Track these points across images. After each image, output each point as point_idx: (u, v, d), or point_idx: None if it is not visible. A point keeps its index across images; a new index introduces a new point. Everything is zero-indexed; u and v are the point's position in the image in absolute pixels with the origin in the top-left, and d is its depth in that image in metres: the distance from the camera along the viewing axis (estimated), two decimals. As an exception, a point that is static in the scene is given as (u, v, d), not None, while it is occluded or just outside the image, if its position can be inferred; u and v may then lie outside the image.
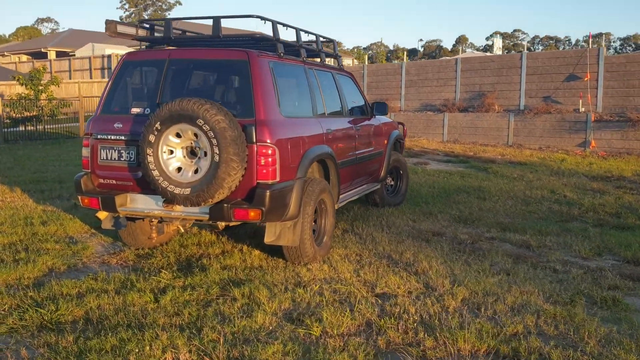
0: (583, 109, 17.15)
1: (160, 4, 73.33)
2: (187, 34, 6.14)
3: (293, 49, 6.07)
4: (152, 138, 5.04)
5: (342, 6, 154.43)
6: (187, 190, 4.98)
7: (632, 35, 74.22)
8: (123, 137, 5.45)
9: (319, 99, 6.31)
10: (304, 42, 6.38)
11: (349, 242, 6.57)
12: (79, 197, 5.64)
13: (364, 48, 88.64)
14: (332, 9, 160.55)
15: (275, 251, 6.09)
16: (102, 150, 5.56)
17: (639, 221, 7.88)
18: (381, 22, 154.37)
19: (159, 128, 5.01)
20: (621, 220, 7.96)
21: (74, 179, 5.71)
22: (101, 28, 6.28)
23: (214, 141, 4.85)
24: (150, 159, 5.05)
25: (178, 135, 5.06)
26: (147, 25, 6.01)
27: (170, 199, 5.09)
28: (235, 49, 5.43)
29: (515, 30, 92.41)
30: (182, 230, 6.09)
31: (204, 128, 4.87)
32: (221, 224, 5.39)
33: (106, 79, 31.37)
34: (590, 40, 19.11)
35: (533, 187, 10.69)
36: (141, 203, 5.53)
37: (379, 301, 4.77)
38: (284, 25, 5.80)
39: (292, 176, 5.31)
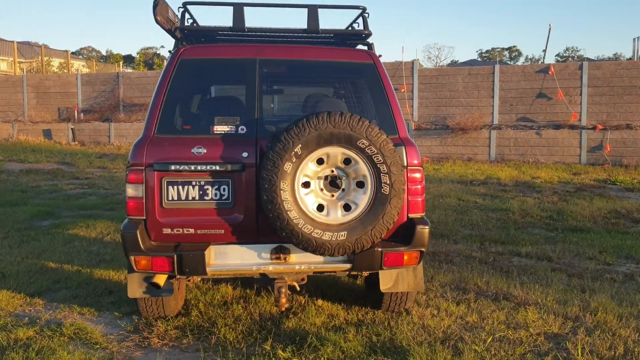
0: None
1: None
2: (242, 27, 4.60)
3: None
4: (288, 167, 3.61)
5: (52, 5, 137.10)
6: (343, 235, 3.68)
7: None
8: (209, 167, 3.83)
9: None
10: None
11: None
12: (133, 258, 3.80)
13: (73, 52, 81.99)
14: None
15: (339, 298, 5.04)
16: (169, 188, 3.84)
17: (589, 223, 8.45)
18: (91, 25, 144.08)
19: (299, 153, 3.62)
20: (572, 223, 8.43)
21: (121, 232, 3.83)
22: None
23: (383, 168, 3.67)
24: (286, 195, 3.62)
25: (319, 162, 3.72)
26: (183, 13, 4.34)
27: (312, 249, 3.70)
28: (356, 49, 4.24)
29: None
30: (298, 288, 4.43)
31: (367, 151, 3.65)
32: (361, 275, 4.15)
33: None
34: (403, 53, 20.47)
35: (435, 195, 10.83)
36: (234, 257, 3.96)
37: (560, 342, 4.15)
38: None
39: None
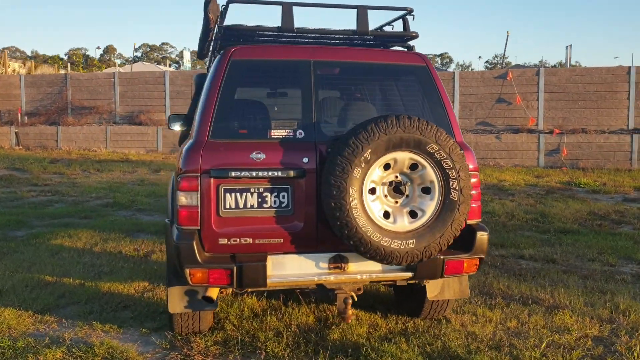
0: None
1: None
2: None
3: None
4: (357, 172, 3.46)
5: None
6: (411, 243, 3.55)
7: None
8: (269, 174, 3.62)
9: None
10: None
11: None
12: (188, 271, 3.54)
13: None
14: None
15: (369, 306, 4.95)
16: (227, 195, 3.61)
17: (575, 225, 8.65)
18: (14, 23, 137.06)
19: (369, 158, 3.47)
20: (560, 225, 8.60)
21: (176, 244, 3.56)
22: None
23: (452, 173, 3.57)
24: (355, 202, 3.46)
25: (386, 167, 3.58)
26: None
27: (380, 257, 3.55)
28: (409, 52, 4.12)
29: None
30: (356, 299, 4.05)
31: (436, 156, 3.54)
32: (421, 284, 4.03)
33: None
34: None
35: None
36: (292, 267, 3.76)
37: (607, 346, 4.18)
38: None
39: None
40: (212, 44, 4.76)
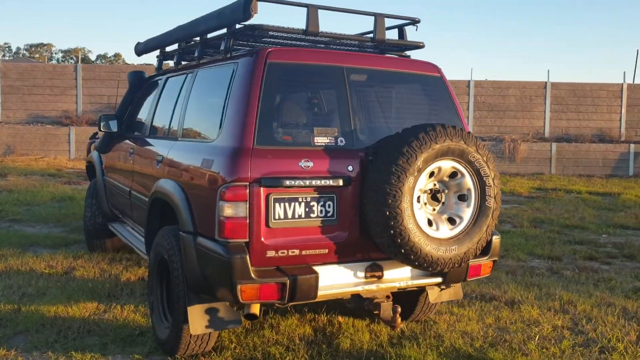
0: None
1: None
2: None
3: None
4: (411, 181, 3.47)
5: None
6: (454, 249, 3.65)
7: (72, 49, 76.34)
8: (318, 182, 3.48)
9: None
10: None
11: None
12: (240, 287, 3.27)
13: None
14: None
15: (350, 312, 4.88)
16: (276, 205, 3.39)
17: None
18: None
19: (420, 167, 3.50)
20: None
21: (226, 258, 3.23)
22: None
23: (488, 181, 3.74)
24: (409, 211, 3.47)
25: (430, 176, 3.64)
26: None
27: (427, 265, 3.59)
28: (425, 62, 4.18)
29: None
30: (399, 308, 3.88)
31: (476, 164, 3.68)
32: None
33: None
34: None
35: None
36: (334, 278, 3.63)
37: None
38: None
39: None
40: (199, 43, 4.42)
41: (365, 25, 4.68)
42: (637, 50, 39.39)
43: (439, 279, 3.92)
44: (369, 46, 4.36)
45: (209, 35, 4.32)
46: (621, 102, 18.74)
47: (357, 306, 3.89)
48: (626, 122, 18.83)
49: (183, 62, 5.08)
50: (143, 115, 5.53)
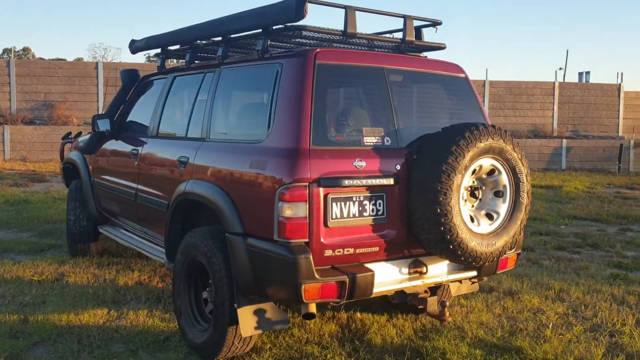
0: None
1: None
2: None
3: None
4: (459, 179, 3.59)
5: None
6: (494, 244, 3.80)
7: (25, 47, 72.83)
8: (372, 181, 3.53)
9: None
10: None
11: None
12: (304, 287, 3.28)
13: None
14: None
15: (366, 308, 5.01)
16: (334, 205, 3.42)
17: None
18: None
19: (467, 165, 3.62)
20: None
21: (289, 259, 3.22)
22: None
23: (522, 177, 3.91)
24: (457, 208, 3.59)
25: (472, 173, 3.77)
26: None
27: (471, 260, 3.71)
28: (451, 63, 4.29)
29: None
30: (447, 302, 4.10)
31: (512, 162, 3.85)
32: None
33: None
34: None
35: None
36: (383, 275, 3.70)
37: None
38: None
39: None
40: (223, 42, 4.36)
41: (367, 25, 4.76)
42: (567, 50, 41.73)
43: (474, 273, 4.06)
44: (397, 47, 4.43)
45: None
46: (553, 100, 19.79)
47: (400, 302, 3.98)
48: (558, 119, 19.91)
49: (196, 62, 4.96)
50: (144, 115, 5.35)
